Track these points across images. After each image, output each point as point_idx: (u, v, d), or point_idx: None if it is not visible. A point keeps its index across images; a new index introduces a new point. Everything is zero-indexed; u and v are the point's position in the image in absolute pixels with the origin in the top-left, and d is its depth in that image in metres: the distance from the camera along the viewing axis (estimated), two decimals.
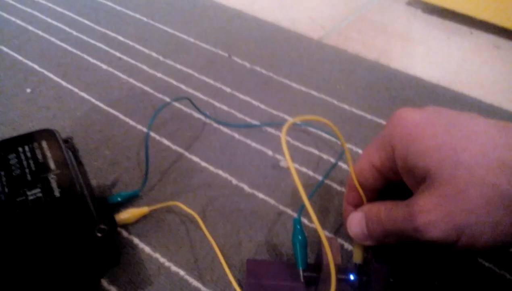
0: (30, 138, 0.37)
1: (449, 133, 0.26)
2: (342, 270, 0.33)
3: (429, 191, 0.26)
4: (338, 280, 0.33)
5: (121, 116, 0.50)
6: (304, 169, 0.45)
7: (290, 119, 0.27)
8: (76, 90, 0.53)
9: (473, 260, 0.36)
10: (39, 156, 0.35)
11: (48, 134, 0.37)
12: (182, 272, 0.36)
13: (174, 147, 0.46)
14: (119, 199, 0.40)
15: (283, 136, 0.26)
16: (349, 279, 0.33)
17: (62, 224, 0.31)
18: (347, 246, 0.38)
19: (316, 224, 0.27)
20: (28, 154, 0.35)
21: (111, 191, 0.42)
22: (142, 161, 0.44)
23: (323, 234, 0.28)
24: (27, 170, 0.34)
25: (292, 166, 0.26)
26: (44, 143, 0.36)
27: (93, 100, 0.52)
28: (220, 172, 0.44)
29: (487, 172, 0.24)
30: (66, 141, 0.39)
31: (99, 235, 0.31)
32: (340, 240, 0.38)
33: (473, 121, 0.27)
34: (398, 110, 0.30)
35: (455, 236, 0.25)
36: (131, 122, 0.49)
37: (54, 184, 0.33)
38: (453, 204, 0.25)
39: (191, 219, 0.39)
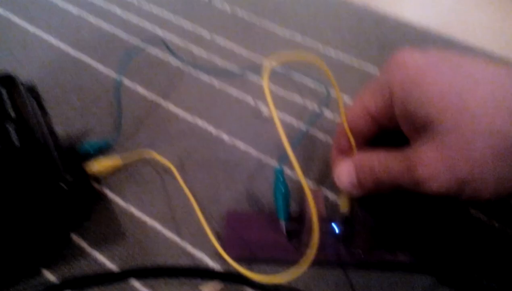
0: None
1: (454, 78, 0.24)
2: (326, 222, 0.32)
3: (431, 141, 0.24)
4: (322, 232, 0.32)
5: (92, 63, 0.47)
6: (287, 118, 0.42)
7: (272, 57, 0.25)
8: (43, 35, 0.50)
9: (463, 209, 0.34)
10: None
11: (7, 80, 0.34)
12: (158, 225, 0.34)
13: (149, 95, 0.44)
14: (89, 150, 0.38)
15: (265, 72, 0.24)
16: (333, 231, 0.32)
17: (24, 176, 0.28)
18: (332, 197, 0.36)
19: (299, 174, 0.25)
20: None
21: (81, 141, 0.39)
22: (115, 109, 0.42)
23: (306, 184, 0.26)
24: None
25: (273, 108, 0.24)
26: (3, 90, 0.33)
27: (62, 46, 0.48)
28: (199, 122, 0.41)
29: (495, 120, 0.22)
30: (28, 88, 0.36)
31: (65, 187, 0.29)
32: (324, 191, 0.36)
33: (479, 65, 0.24)
34: (398, 52, 0.27)
35: (457, 189, 0.23)
36: (103, 69, 0.46)
37: (13, 133, 0.30)
38: (457, 155, 0.23)
39: (167, 170, 0.37)
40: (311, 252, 0.25)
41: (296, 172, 0.24)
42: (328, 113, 0.43)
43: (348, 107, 0.30)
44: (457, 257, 0.32)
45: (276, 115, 0.25)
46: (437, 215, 0.33)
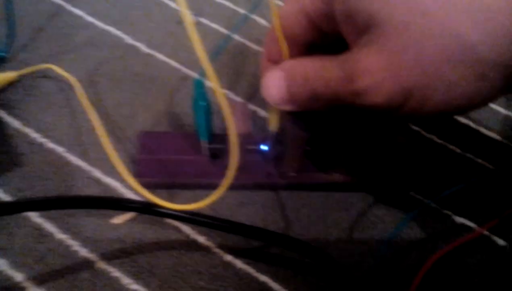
0: None
1: None
2: (254, 140, 0.28)
3: (375, 44, 0.20)
4: (248, 151, 0.28)
5: None
6: (215, 25, 0.37)
7: None
8: None
9: (403, 124, 0.32)
10: None
11: None
12: (60, 149, 0.29)
13: None
14: None
15: None
16: (261, 150, 0.28)
17: None
18: (263, 114, 0.32)
19: (213, 80, 0.20)
20: None
21: None
22: (7, 14, 0.35)
23: (222, 93, 0.21)
24: None
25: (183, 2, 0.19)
26: None
27: None
28: (111, 29, 0.36)
29: (450, 18, 0.19)
30: None
31: None
32: (255, 107, 0.32)
33: None
34: None
35: (401, 99, 0.20)
36: None
37: None
38: (403, 60, 0.19)
39: (72, 86, 0.32)
40: (230, 175, 0.22)
41: (210, 78, 0.20)
42: (261, 21, 0.38)
43: (282, 7, 0.26)
44: (394, 174, 0.30)
45: (186, 11, 0.20)
46: (374, 130, 0.30)
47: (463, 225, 0.29)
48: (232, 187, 0.27)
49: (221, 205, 0.28)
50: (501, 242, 0.29)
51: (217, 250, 0.27)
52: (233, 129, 0.21)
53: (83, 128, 0.30)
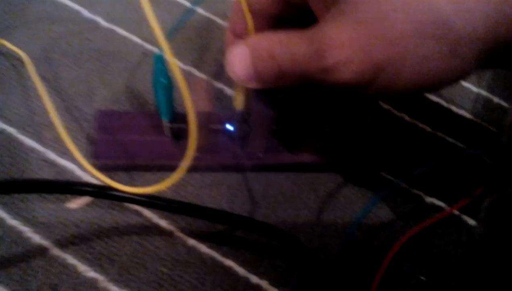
0: None
1: None
2: (216, 118, 0.27)
3: (343, 17, 0.19)
4: (213, 131, 0.27)
5: None
6: None
7: None
8: None
9: (372, 103, 0.31)
10: None
11: None
12: (12, 129, 0.27)
13: None
14: None
15: None
16: (226, 129, 0.27)
17: None
18: (230, 92, 0.31)
19: (168, 54, 0.19)
20: None
21: None
22: None
23: (178, 68, 0.20)
24: None
25: None
26: None
27: None
28: (67, 1, 0.33)
29: None
30: None
31: None
32: (221, 85, 0.31)
33: None
34: None
35: (372, 75, 0.19)
36: None
37: None
38: (372, 34, 0.19)
39: (25, 63, 0.30)
40: (189, 155, 0.20)
41: (164, 51, 0.18)
42: None
43: None
44: (363, 154, 0.29)
45: None
46: (343, 108, 0.29)
47: (433, 205, 0.29)
48: (197, 168, 0.26)
49: (185, 187, 0.27)
50: (471, 221, 0.28)
51: (180, 234, 0.25)
52: (191, 106, 0.19)
53: (36, 108, 0.28)
